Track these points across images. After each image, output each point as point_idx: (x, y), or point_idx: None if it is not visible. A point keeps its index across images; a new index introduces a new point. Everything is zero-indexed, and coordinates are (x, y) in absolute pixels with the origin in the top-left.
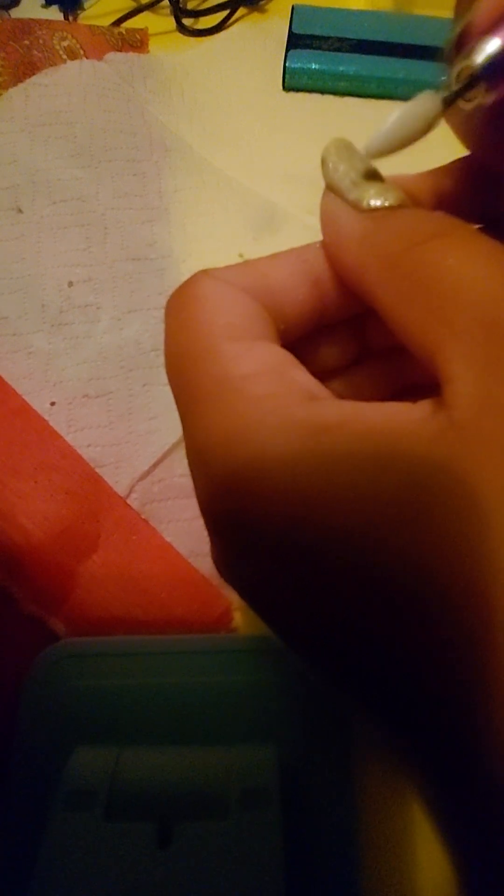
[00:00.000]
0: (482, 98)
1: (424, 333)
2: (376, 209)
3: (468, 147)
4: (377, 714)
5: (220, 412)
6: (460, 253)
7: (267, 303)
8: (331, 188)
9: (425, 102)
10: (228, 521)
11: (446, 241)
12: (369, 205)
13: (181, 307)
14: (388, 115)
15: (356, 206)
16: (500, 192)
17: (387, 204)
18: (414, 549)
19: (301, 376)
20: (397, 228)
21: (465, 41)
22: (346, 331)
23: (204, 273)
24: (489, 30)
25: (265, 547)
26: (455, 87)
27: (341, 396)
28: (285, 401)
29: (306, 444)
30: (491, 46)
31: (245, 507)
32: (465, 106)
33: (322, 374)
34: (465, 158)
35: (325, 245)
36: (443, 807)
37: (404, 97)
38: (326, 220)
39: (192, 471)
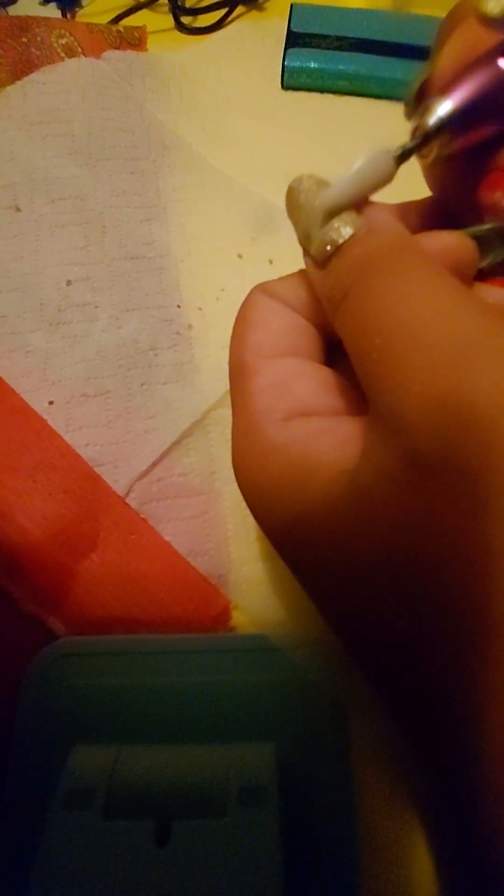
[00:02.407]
0: (437, 153)
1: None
2: (326, 259)
3: (432, 192)
4: (385, 694)
5: (237, 422)
6: (365, 310)
7: (307, 312)
8: (300, 242)
9: (381, 160)
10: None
11: (354, 299)
12: (321, 256)
13: (236, 323)
14: (345, 173)
15: (314, 260)
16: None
17: (334, 238)
18: (318, 566)
19: (304, 388)
20: (327, 288)
21: (423, 96)
22: None
23: (258, 288)
24: (443, 90)
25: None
26: (409, 144)
27: None
28: (270, 417)
29: (262, 461)
30: (443, 109)
31: (248, 504)
32: (422, 161)
33: None
34: (431, 198)
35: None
36: (436, 804)
37: (403, 97)
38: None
39: None
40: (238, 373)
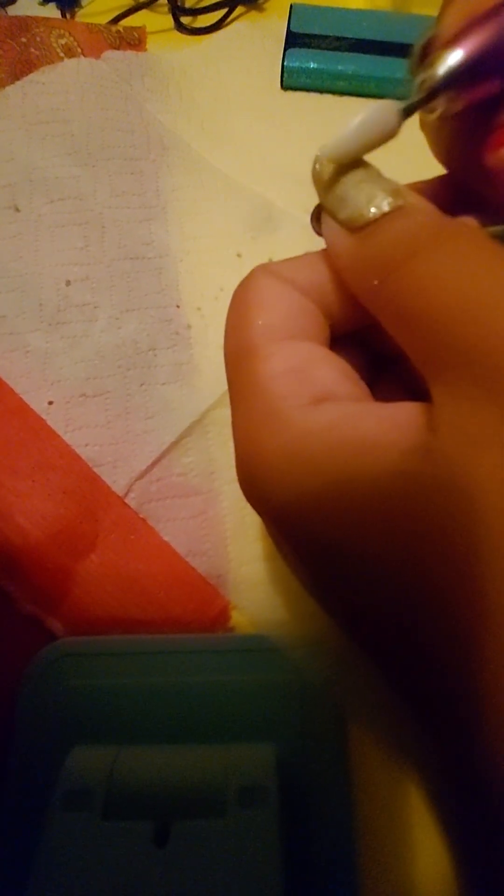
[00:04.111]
0: (443, 109)
1: (411, 356)
2: (364, 225)
3: (440, 160)
4: (389, 686)
5: (247, 411)
6: (428, 276)
7: (316, 297)
8: (324, 209)
9: (386, 111)
10: (255, 509)
11: (415, 265)
12: (356, 222)
13: (235, 304)
14: (349, 121)
15: (346, 226)
16: (476, 208)
17: (375, 213)
18: (377, 551)
19: (323, 375)
20: (373, 255)
21: (428, 53)
22: None
23: (260, 268)
24: (452, 42)
25: (272, 531)
26: (416, 98)
27: (399, 382)
28: (294, 402)
29: (292, 448)
30: (453, 58)
31: (255, 498)
32: (427, 117)
33: (381, 361)
34: (444, 176)
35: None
36: (446, 799)
37: (402, 97)
38: (326, 243)
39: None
40: (244, 356)
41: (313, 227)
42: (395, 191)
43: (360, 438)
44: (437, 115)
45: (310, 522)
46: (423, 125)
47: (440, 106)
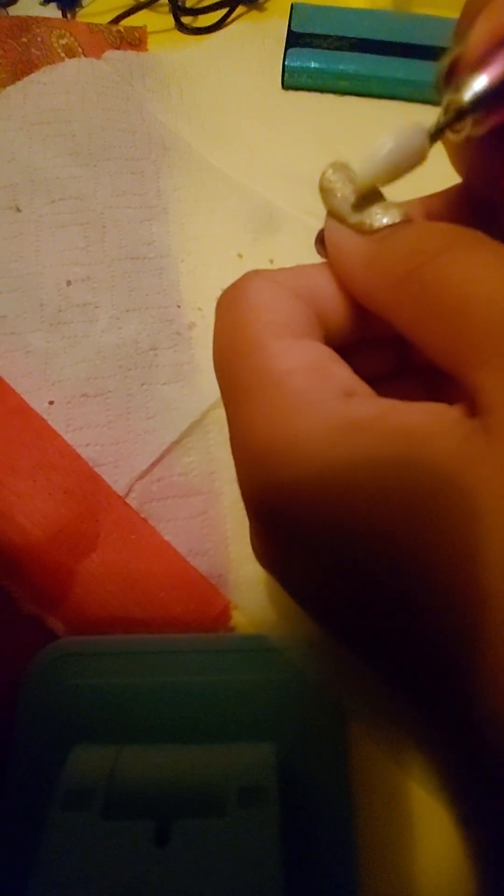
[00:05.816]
0: (470, 131)
1: (445, 350)
2: (379, 229)
3: (460, 175)
4: (387, 679)
5: (262, 406)
6: (468, 266)
7: (312, 308)
8: (332, 214)
9: (413, 136)
10: (264, 510)
11: (451, 256)
12: (371, 226)
13: (231, 304)
14: (376, 148)
15: (359, 230)
16: (490, 220)
17: (389, 222)
18: (426, 546)
19: (342, 373)
20: (400, 249)
21: (455, 72)
22: (389, 342)
23: (254, 273)
24: (478, 64)
25: (295, 536)
26: (442, 121)
27: None
28: (322, 395)
29: (338, 440)
30: (478, 83)
31: (277, 500)
32: (453, 138)
33: (365, 380)
34: (457, 186)
35: (334, 272)
36: (457, 793)
37: (404, 96)
38: (331, 247)
39: (235, 460)
40: (248, 353)
41: (317, 250)
42: (404, 206)
43: (413, 428)
44: (464, 136)
45: (357, 516)
46: (445, 141)
47: (466, 128)
